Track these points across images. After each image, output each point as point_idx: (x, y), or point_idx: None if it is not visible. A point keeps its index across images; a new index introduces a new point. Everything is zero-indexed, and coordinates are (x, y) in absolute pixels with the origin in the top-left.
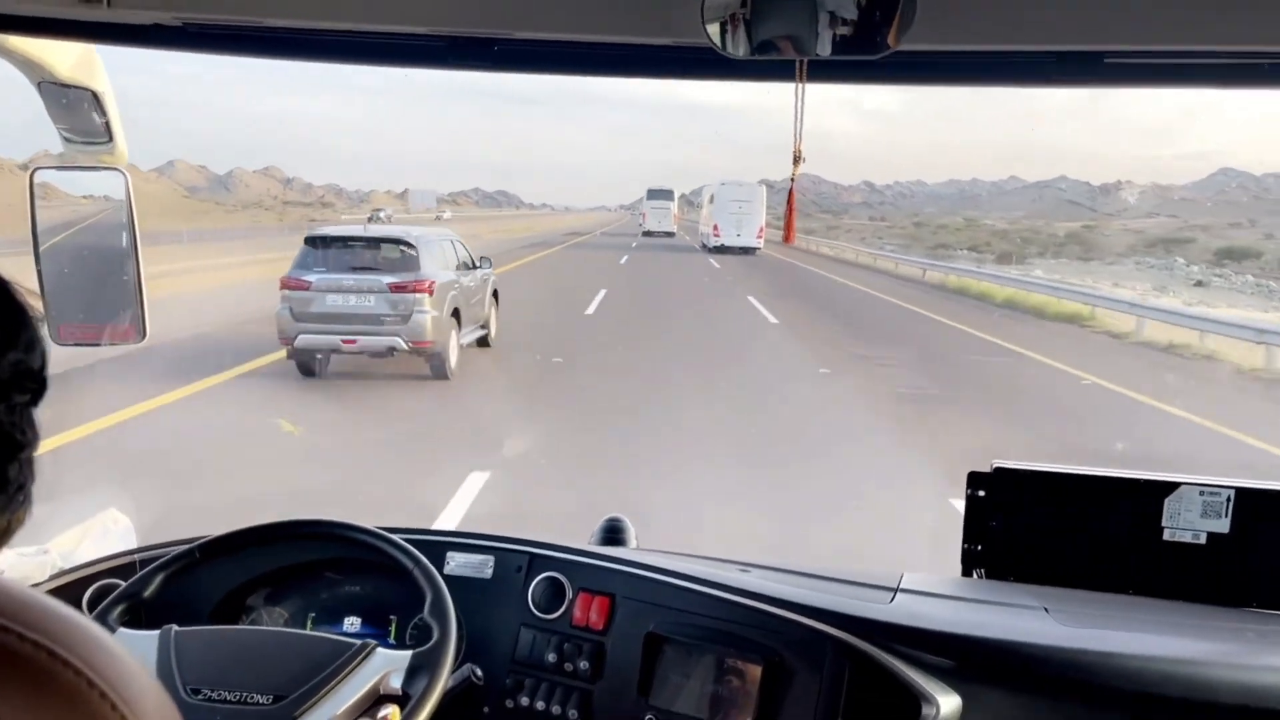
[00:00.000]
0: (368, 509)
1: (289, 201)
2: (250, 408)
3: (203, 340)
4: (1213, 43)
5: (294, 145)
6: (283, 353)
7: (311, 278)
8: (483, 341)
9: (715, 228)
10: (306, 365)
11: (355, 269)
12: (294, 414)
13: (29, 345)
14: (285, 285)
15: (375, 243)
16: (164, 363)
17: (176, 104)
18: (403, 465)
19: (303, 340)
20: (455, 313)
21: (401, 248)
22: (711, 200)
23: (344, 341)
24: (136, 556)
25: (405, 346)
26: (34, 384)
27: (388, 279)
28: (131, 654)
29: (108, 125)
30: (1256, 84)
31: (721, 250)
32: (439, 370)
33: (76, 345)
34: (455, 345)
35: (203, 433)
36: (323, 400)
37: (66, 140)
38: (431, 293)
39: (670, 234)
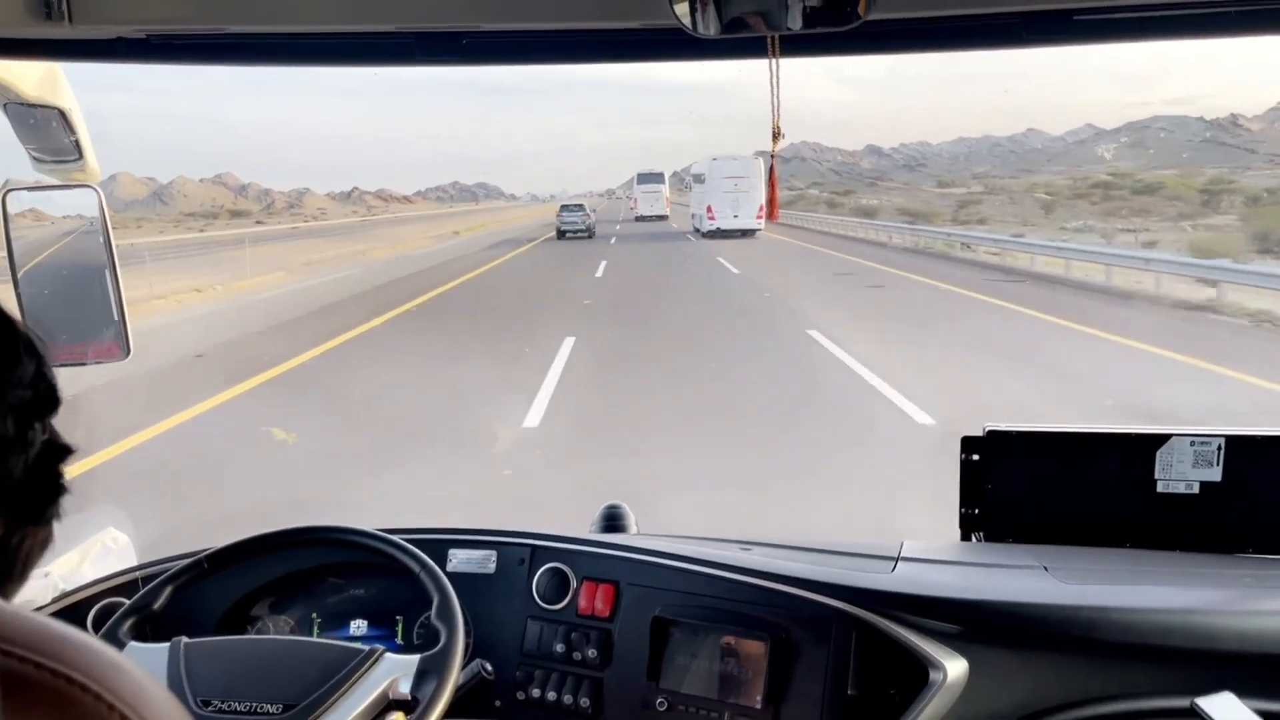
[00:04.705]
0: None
1: (236, 211)
2: (552, 243)
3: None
4: None
5: (259, 151)
6: (553, 234)
7: (563, 214)
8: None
9: (709, 209)
10: (561, 235)
11: (571, 210)
12: (555, 245)
13: (48, 370)
14: (558, 215)
15: (577, 205)
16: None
17: (132, 116)
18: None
19: (562, 227)
20: (594, 220)
21: (582, 203)
22: (703, 179)
23: (572, 230)
24: (138, 574)
25: (584, 228)
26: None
27: (579, 213)
28: (146, 672)
29: (77, 143)
30: (1223, 33)
31: (718, 236)
32: (591, 235)
33: (61, 366)
34: (593, 227)
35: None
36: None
37: (36, 160)
38: (590, 216)
39: (663, 217)
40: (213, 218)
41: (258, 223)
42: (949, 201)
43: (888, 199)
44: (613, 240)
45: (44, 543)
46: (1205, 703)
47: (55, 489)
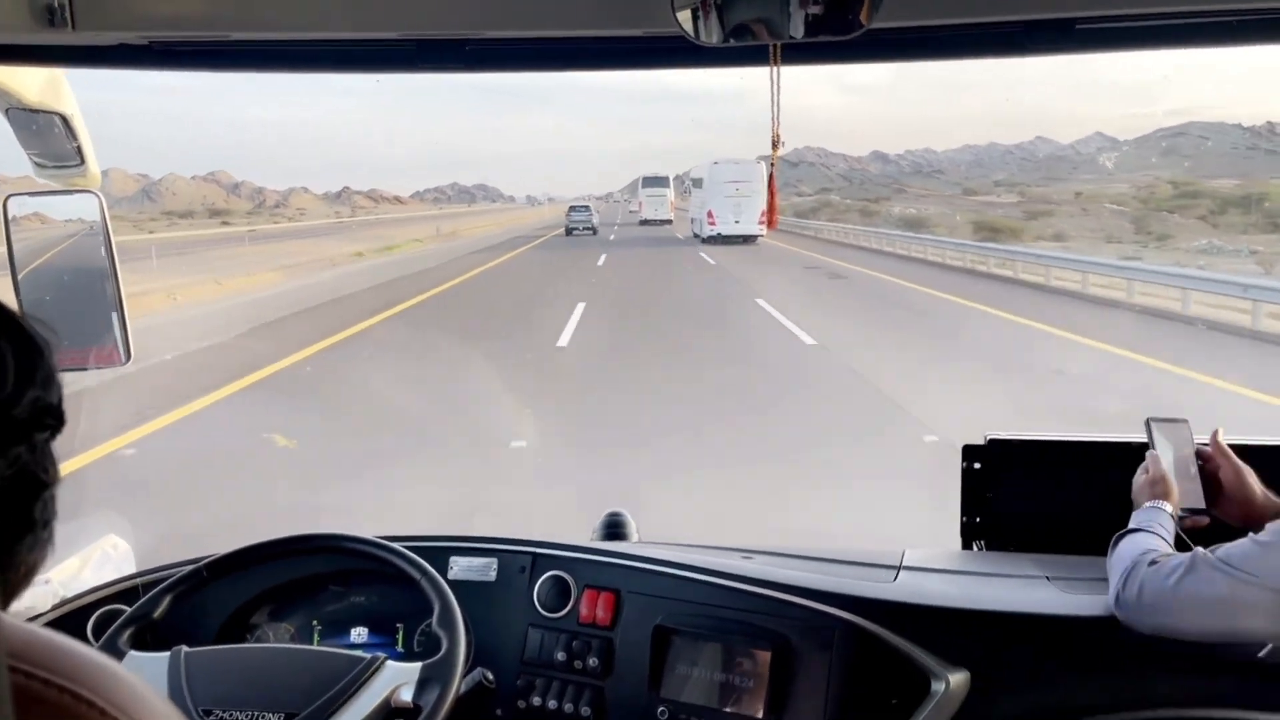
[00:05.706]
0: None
1: (216, 211)
2: (558, 240)
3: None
4: (1182, 3)
5: (256, 149)
6: (560, 231)
7: (572, 214)
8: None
9: (710, 214)
10: (569, 233)
11: (579, 210)
12: (562, 241)
13: (46, 381)
14: (567, 215)
15: (584, 206)
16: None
17: (128, 113)
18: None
19: (569, 226)
20: (597, 221)
21: (588, 205)
22: (703, 183)
23: (579, 226)
24: (138, 581)
25: (590, 226)
26: (53, 420)
27: (586, 213)
28: (148, 684)
29: (78, 148)
30: (1225, 42)
31: (718, 241)
32: (595, 232)
33: (63, 371)
34: (596, 226)
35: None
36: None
37: (38, 166)
38: (594, 216)
39: (668, 221)
40: (186, 217)
41: (223, 223)
42: (1005, 211)
43: (923, 207)
44: (599, 264)
45: (14, 588)
46: (1156, 425)
47: (20, 526)
